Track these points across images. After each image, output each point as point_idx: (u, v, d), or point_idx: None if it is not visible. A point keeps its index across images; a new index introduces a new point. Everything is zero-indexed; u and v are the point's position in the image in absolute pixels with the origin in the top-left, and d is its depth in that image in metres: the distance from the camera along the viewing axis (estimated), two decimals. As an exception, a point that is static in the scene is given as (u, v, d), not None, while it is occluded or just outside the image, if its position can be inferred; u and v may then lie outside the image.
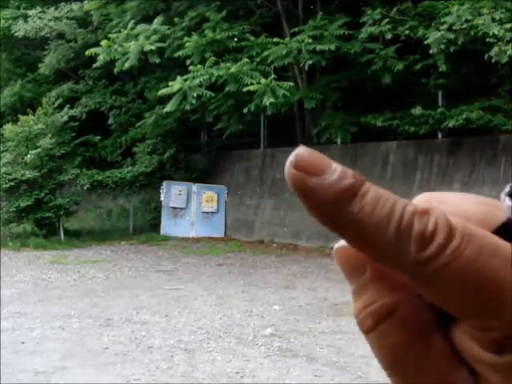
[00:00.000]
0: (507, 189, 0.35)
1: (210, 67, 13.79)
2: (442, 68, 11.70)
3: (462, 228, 0.31)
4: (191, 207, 17.01)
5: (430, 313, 0.33)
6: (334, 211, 0.31)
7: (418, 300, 0.33)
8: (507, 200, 0.34)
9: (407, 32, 12.52)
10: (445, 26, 11.31)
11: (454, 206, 0.34)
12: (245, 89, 13.23)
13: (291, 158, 0.32)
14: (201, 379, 5.86)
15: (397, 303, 0.33)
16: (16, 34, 17.61)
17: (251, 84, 13.20)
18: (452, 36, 11.26)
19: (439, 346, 0.34)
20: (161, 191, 17.18)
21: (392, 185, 13.77)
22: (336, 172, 0.31)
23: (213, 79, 13.67)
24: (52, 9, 17.84)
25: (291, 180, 0.31)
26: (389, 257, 0.31)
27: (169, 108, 14.17)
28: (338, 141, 14.76)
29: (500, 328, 0.31)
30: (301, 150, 0.32)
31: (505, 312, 0.31)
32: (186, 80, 13.79)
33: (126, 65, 14.84)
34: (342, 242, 0.34)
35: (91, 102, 18.13)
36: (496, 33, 10.66)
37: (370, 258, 0.32)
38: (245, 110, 13.83)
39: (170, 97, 14.11)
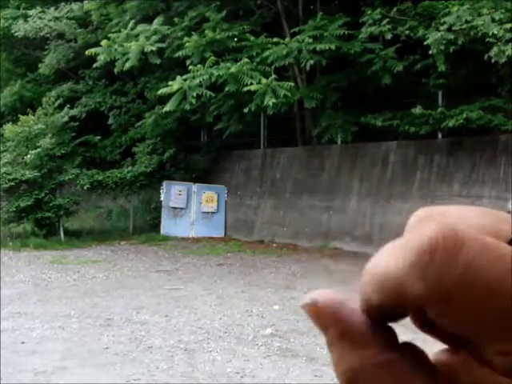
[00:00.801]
0: None
1: (210, 67, 13.79)
2: (442, 68, 11.69)
3: (471, 236, 0.28)
4: (191, 207, 17.01)
5: (400, 365, 0.31)
6: None
7: (381, 357, 0.31)
8: None
9: (407, 32, 12.52)
10: (445, 27, 11.31)
11: (462, 219, 0.31)
12: (245, 89, 13.23)
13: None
14: (201, 379, 5.87)
15: (358, 368, 0.31)
16: (16, 33, 17.60)
17: (251, 84, 13.20)
18: (452, 36, 11.26)
19: None
20: (161, 191, 17.18)
21: (392, 185, 13.77)
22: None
23: (213, 79, 13.66)
24: (52, 9, 17.84)
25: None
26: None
27: (168, 108, 14.17)
28: (339, 141, 14.78)
29: None
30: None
31: None
32: (185, 80, 13.79)
33: (127, 65, 14.84)
34: (312, 295, 0.32)
35: (91, 102, 18.13)
36: (496, 33, 10.65)
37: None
38: (245, 110, 13.82)
39: (169, 97, 14.12)
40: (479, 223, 0.31)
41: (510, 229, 0.31)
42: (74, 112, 17.12)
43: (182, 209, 17.01)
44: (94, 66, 15.89)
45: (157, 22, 15.29)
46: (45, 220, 16.03)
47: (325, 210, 14.63)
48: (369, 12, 12.95)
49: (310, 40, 13.23)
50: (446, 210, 0.32)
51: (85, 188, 16.64)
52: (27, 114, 16.29)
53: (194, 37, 14.46)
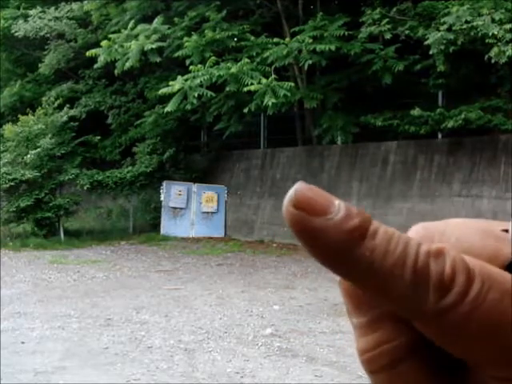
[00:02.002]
0: None
1: (211, 67, 13.79)
2: (441, 68, 11.69)
3: (480, 270, 0.28)
4: (191, 207, 17.01)
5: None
6: (342, 254, 0.28)
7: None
8: None
9: (407, 32, 12.52)
10: (445, 27, 11.31)
11: (462, 242, 0.30)
12: (245, 89, 13.23)
13: (290, 194, 0.29)
14: (201, 379, 5.86)
15: (417, 342, 0.30)
16: (16, 33, 17.62)
17: (251, 84, 13.20)
18: (452, 36, 11.26)
19: None
20: (161, 191, 17.17)
21: (392, 185, 13.77)
22: (341, 210, 0.28)
23: (213, 79, 13.67)
24: (52, 9, 17.86)
25: (291, 220, 0.29)
26: (403, 303, 0.28)
27: (169, 108, 14.17)
28: (339, 141, 14.78)
29: None
30: (300, 187, 0.29)
31: None
32: (186, 80, 13.79)
33: (127, 64, 14.83)
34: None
35: (91, 102, 18.14)
36: (495, 33, 10.66)
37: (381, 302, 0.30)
38: (245, 110, 13.83)
39: (170, 96, 14.11)
40: (480, 245, 0.30)
41: (510, 250, 0.30)
42: (73, 112, 17.12)
43: (181, 209, 17.01)
44: (95, 66, 15.89)
45: (157, 22, 15.30)
46: (45, 220, 16.03)
47: (325, 210, 14.60)
48: (369, 12, 12.95)
49: (310, 40, 13.23)
50: (446, 227, 0.31)
51: (85, 188, 16.64)
52: (27, 114, 16.29)
53: (194, 37, 14.46)
